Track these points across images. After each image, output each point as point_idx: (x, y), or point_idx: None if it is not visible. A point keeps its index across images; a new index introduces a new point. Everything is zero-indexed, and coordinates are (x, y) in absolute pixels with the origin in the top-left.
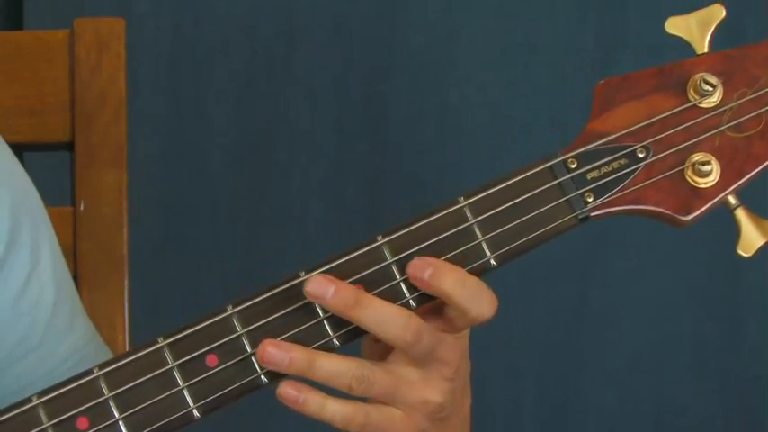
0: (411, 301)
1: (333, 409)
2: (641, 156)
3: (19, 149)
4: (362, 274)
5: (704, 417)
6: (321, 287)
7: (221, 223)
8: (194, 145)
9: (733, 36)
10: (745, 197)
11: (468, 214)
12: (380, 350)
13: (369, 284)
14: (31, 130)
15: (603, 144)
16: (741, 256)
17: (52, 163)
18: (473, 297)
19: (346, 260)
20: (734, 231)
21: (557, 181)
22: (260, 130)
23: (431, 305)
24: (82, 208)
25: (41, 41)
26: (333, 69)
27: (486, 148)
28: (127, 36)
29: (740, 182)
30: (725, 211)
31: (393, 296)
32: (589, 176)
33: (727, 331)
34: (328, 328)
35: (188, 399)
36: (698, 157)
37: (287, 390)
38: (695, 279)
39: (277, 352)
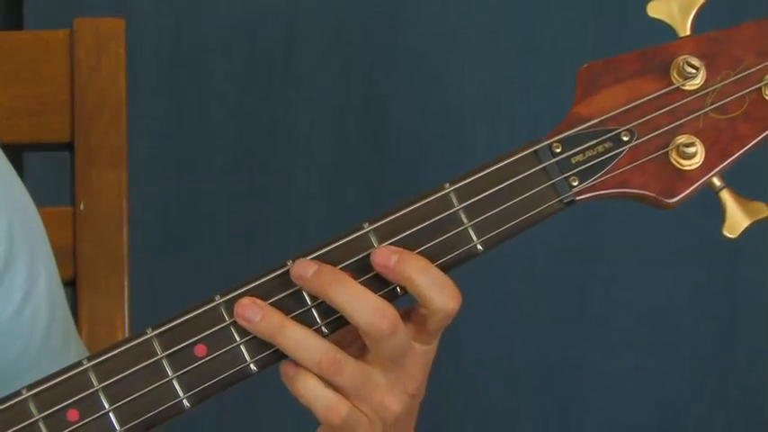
0: (398, 289)
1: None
2: (625, 139)
3: (19, 149)
4: (349, 261)
5: (704, 417)
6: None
7: (221, 223)
8: (194, 145)
9: None
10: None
11: (454, 200)
12: (355, 353)
13: (356, 271)
14: (31, 130)
15: (588, 128)
16: (727, 238)
17: (52, 163)
18: (436, 285)
19: (333, 247)
20: None
21: (541, 165)
22: (260, 130)
23: (404, 310)
24: (82, 208)
25: (41, 41)
26: (332, 71)
27: (485, 149)
28: (127, 36)
29: (724, 163)
30: None
31: (381, 283)
32: (574, 160)
33: (727, 331)
34: (316, 316)
35: (178, 389)
36: (682, 139)
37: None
38: (695, 279)
39: (252, 306)
